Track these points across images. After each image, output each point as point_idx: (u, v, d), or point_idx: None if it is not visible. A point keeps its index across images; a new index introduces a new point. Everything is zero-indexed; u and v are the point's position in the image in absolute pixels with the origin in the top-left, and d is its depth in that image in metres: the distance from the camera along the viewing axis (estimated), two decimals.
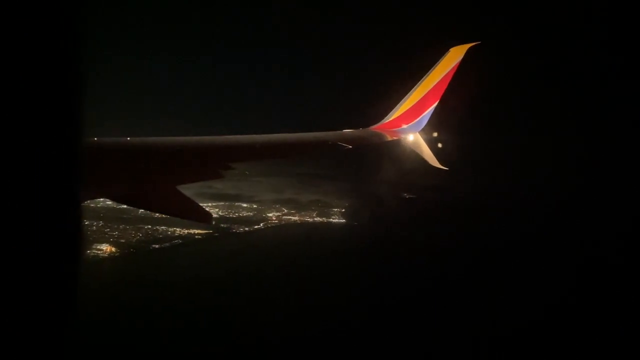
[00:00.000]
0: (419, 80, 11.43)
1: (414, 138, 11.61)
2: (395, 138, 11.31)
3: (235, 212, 70.39)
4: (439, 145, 11.61)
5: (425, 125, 11.60)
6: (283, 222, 70.86)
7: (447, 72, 11.13)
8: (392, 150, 11.73)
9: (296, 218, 71.93)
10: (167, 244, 59.11)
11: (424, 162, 11.41)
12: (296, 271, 50.58)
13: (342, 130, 10.63)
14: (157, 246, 58.35)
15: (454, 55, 11.14)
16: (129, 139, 6.44)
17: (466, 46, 11.20)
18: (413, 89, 11.51)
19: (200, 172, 6.97)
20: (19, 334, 1.72)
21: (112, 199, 6.87)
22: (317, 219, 72.00)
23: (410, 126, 11.53)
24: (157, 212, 7.41)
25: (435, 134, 11.63)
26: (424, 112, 11.44)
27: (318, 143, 9.72)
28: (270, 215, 71.49)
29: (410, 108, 11.48)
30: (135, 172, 5.89)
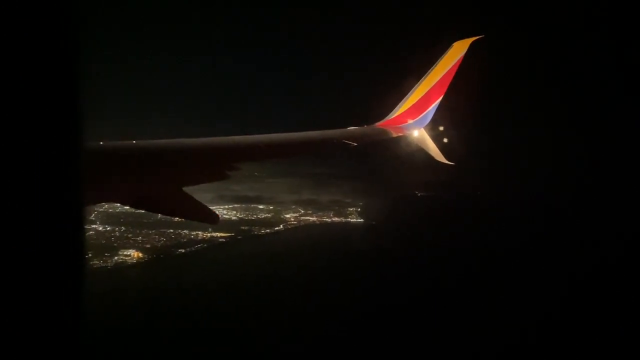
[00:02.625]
0: (423, 76, 11.41)
1: (419, 134, 11.58)
2: (400, 134, 11.29)
3: (253, 214, 70.66)
4: (445, 140, 11.58)
5: (430, 121, 11.59)
6: (302, 223, 70.77)
7: (450, 66, 11.10)
8: (398, 147, 11.71)
9: (314, 218, 71.85)
10: (193, 248, 58.90)
11: (430, 158, 11.39)
12: (324, 272, 50.50)
13: (346, 127, 10.68)
14: (182, 250, 58.24)
15: (457, 50, 11.10)
16: (134, 142, 6.56)
17: (469, 40, 11.15)
18: (417, 84, 11.50)
19: (205, 173, 7.02)
20: (17, 340, 1.70)
21: (119, 203, 7.01)
22: (335, 218, 71.81)
23: (415, 122, 11.51)
24: (164, 215, 7.50)
25: (440, 129, 11.61)
26: (428, 107, 11.41)
27: (323, 141, 9.72)
28: (288, 216, 71.58)
29: (414, 104, 11.46)
30: (141, 175, 5.97)
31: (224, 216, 66.29)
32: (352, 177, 72.96)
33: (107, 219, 59.26)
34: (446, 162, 11.33)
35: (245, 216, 69.45)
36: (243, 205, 71.08)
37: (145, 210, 6.72)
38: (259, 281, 48.51)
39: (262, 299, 44.34)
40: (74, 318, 1.87)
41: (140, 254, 55.58)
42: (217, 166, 7.12)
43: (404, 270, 49.77)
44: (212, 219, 7.07)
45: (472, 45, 11.12)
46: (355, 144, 9.68)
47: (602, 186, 61.28)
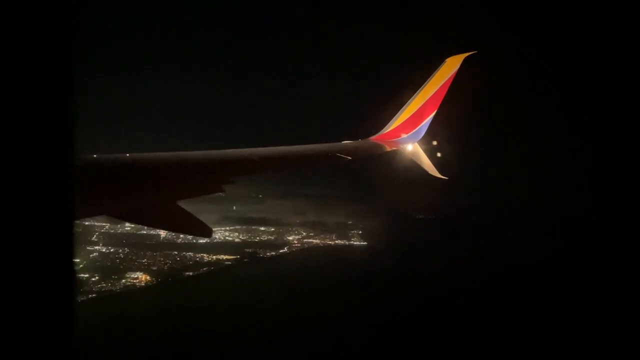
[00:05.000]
0: (417, 91, 11.54)
1: (413, 148, 11.65)
2: (394, 148, 11.34)
3: (256, 236, 70.41)
4: (438, 154, 11.65)
5: (424, 135, 11.67)
6: (306, 246, 70.52)
7: (444, 81, 11.21)
8: (392, 161, 11.77)
9: (317, 241, 71.58)
10: (200, 271, 58.56)
11: (424, 172, 11.42)
12: (332, 296, 50.25)
13: (341, 141, 10.74)
14: (190, 273, 57.84)
15: (451, 65, 11.24)
16: (127, 155, 6.61)
17: (462, 56, 11.29)
18: (411, 99, 11.61)
19: (200, 186, 7.02)
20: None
21: (113, 216, 7.02)
22: (338, 241, 71.55)
23: (409, 136, 11.58)
24: (158, 228, 7.51)
25: (434, 143, 11.69)
26: (422, 122, 11.50)
27: (317, 155, 9.77)
28: (291, 238, 71.31)
29: (408, 118, 11.55)
30: (135, 189, 6.01)
31: (227, 238, 66.11)
32: (350, 196, 73.26)
33: (110, 239, 59.08)
34: (440, 176, 11.36)
35: (248, 238, 69.22)
36: (244, 227, 70.87)
37: (139, 224, 6.70)
38: (271, 304, 48.05)
39: (276, 323, 43.84)
40: (61, 334, 1.80)
41: (148, 277, 55.20)
42: (211, 179, 7.15)
43: (411, 294, 49.46)
44: (205, 233, 7.04)
45: (465, 60, 11.27)
46: (350, 158, 9.71)
47: (598, 198, 61.27)
